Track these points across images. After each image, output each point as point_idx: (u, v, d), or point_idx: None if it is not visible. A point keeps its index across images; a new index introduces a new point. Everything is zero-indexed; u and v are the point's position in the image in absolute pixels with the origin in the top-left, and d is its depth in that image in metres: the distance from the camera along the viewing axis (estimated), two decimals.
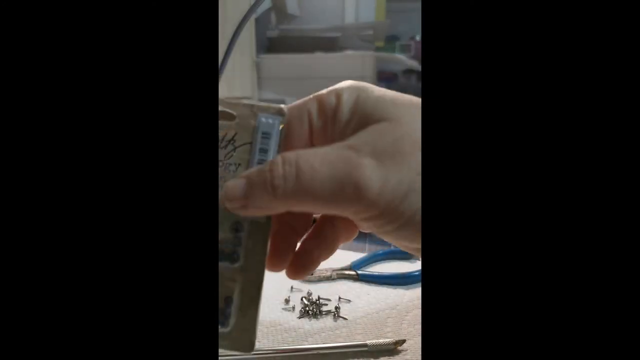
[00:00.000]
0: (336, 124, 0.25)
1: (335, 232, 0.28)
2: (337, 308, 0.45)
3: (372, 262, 0.56)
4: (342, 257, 0.57)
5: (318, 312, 0.45)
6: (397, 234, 0.24)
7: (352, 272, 0.52)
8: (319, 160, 0.23)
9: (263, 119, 0.27)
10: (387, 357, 0.38)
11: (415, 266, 0.55)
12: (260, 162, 0.27)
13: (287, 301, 0.47)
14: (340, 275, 0.52)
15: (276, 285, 0.50)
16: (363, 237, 0.65)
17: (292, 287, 0.50)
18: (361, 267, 0.54)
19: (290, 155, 0.23)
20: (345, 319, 0.44)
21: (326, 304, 0.46)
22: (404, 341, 0.39)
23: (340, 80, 0.27)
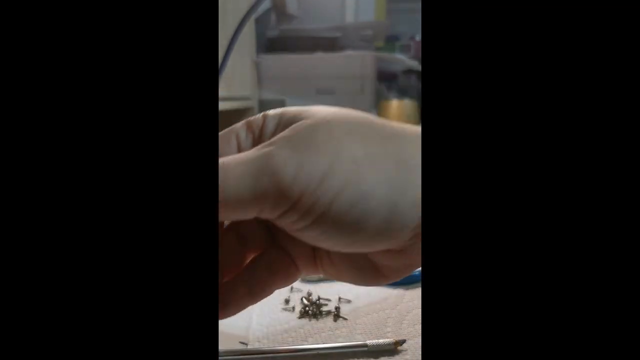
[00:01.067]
0: (262, 138, 0.25)
1: (269, 273, 0.26)
2: (337, 308, 0.45)
3: None
4: None
5: (318, 312, 0.45)
6: (316, 230, 0.22)
7: None
8: (236, 162, 0.23)
9: None
10: (387, 357, 0.38)
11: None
12: None
13: (287, 301, 0.47)
14: None
15: None
16: None
17: (292, 287, 0.50)
18: None
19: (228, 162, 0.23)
20: (345, 319, 0.44)
21: (326, 304, 0.46)
22: (404, 341, 0.39)
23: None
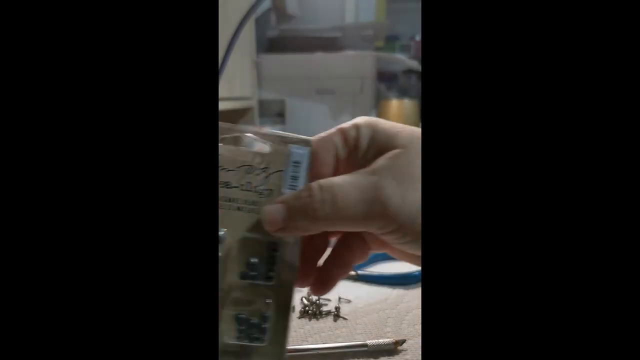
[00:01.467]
0: (357, 153, 0.30)
1: (351, 254, 0.32)
2: (337, 308, 0.45)
3: (372, 262, 0.56)
4: None
5: (318, 312, 0.45)
6: (413, 245, 0.28)
7: (352, 272, 0.52)
8: (350, 186, 0.27)
9: (294, 149, 0.30)
10: (387, 357, 0.38)
11: (415, 266, 0.55)
12: (291, 187, 0.30)
13: None
14: None
15: None
16: None
17: None
18: (361, 267, 0.54)
19: (326, 182, 0.27)
20: (345, 319, 0.44)
21: (326, 304, 0.46)
22: (404, 341, 0.39)
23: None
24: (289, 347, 0.38)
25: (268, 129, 0.32)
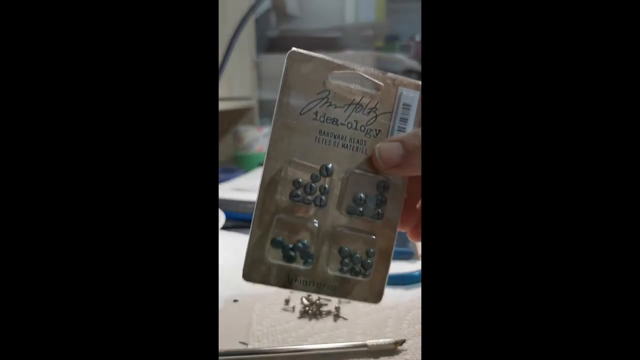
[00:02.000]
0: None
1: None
2: (337, 308, 0.45)
3: None
4: None
5: (318, 312, 0.45)
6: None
7: None
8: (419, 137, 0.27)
9: (404, 92, 0.31)
10: (387, 357, 0.38)
11: (415, 266, 0.55)
12: (400, 129, 0.31)
13: (287, 301, 0.47)
14: None
15: None
16: None
17: None
18: None
19: None
20: (345, 319, 0.44)
21: (326, 304, 0.46)
22: (404, 341, 0.39)
23: None
24: (288, 347, 0.38)
25: (379, 70, 0.32)
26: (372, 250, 0.31)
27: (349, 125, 0.31)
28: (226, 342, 0.40)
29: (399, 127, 0.31)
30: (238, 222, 0.70)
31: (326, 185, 0.30)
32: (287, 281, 0.31)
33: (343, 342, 0.39)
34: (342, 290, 0.32)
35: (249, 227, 0.31)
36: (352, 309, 0.46)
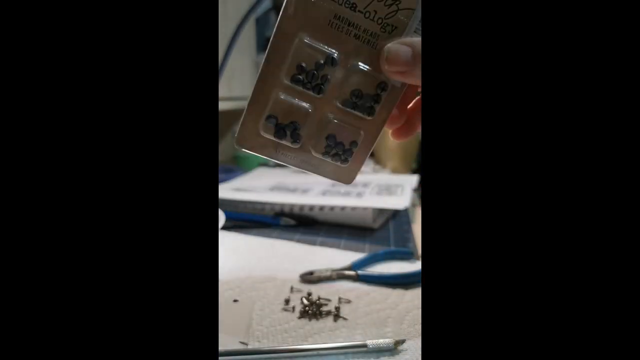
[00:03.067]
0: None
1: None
2: (337, 308, 0.45)
3: (372, 262, 0.56)
4: (342, 257, 0.57)
5: (318, 312, 0.45)
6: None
7: (352, 272, 0.52)
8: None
9: None
10: (387, 357, 0.38)
11: (415, 266, 0.55)
12: (417, 32, 0.30)
13: (287, 301, 0.47)
14: (340, 275, 0.52)
15: (277, 285, 0.50)
16: (363, 237, 0.65)
17: (292, 288, 0.50)
18: (361, 267, 0.54)
19: None
20: (345, 319, 0.44)
21: (326, 304, 0.46)
22: (404, 341, 0.39)
23: None
24: (288, 347, 0.38)
25: None
26: (356, 142, 0.33)
27: (367, 14, 0.29)
28: (226, 342, 0.40)
29: (416, 28, 0.30)
30: (238, 222, 0.70)
31: (328, 76, 0.30)
32: (273, 153, 0.33)
33: (343, 342, 0.39)
34: (321, 169, 0.35)
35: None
36: (352, 309, 0.46)
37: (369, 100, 0.32)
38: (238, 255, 0.59)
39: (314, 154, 0.33)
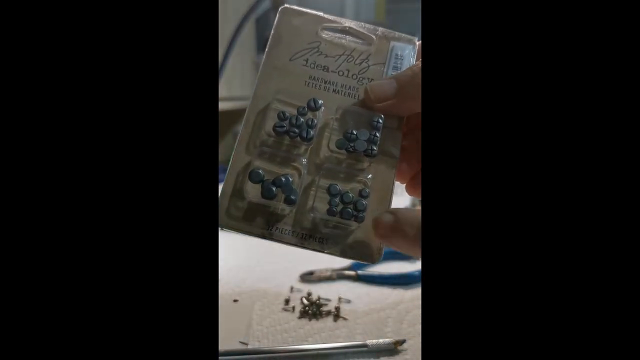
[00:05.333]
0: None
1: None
2: (337, 308, 0.45)
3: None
4: None
5: (318, 312, 0.45)
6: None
7: (352, 272, 0.52)
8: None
9: (397, 44, 0.31)
10: (387, 357, 0.38)
11: (415, 266, 0.55)
12: (395, 69, 0.30)
13: (287, 301, 0.47)
14: (340, 275, 0.52)
15: (277, 285, 0.50)
16: None
17: (292, 288, 0.50)
18: (361, 267, 0.54)
19: None
20: (345, 319, 0.44)
21: (326, 304, 0.46)
22: (404, 341, 0.39)
23: None
24: (288, 347, 0.38)
25: (371, 25, 0.32)
26: (366, 190, 0.27)
27: (340, 73, 0.30)
28: (226, 342, 0.40)
29: (393, 67, 0.30)
30: None
31: (314, 120, 0.28)
32: (265, 229, 0.27)
33: (343, 342, 0.39)
34: (332, 242, 0.27)
35: None
36: (352, 309, 0.46)
37: (366, 136, 0.28)
38: (238, 255, 0.59)
39: (317, 215, 0.27)
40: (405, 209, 0.26)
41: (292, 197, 0.26)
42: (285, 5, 0.31)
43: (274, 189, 0.26)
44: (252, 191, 0.27)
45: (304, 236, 0.27)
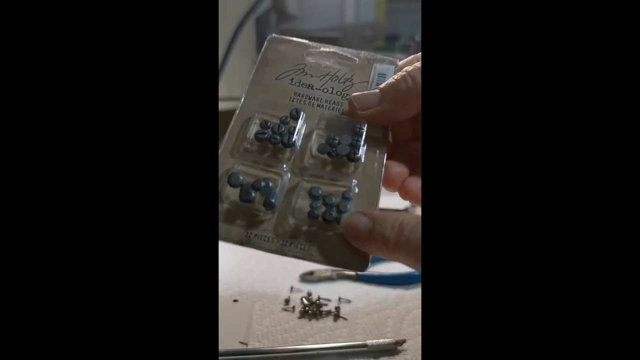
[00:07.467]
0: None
1: None
2: (337, 308, 0.45)
3: (372, 262, 0.56)
4: None
5: (318, 312, 0.45)
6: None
7: (352, 272, 0.52)
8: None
9: (379, 65, 0.32)
10: (387, 357, 0.38)
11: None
12: (380, 83, 0.30)
13: (287, 301, 0.47)
14: (340, 275, 0.52)
15: (277, 285, 0.50)
16: None
17: (292, 287, 0.50)
18: None
19: (415, 72, 0.28)
20: (345, 319, 0.44)
21: (326, 304, 0.46)
22: (404, 341, 0.39)
23: None
24: (288, 347, 0.38)
25: (354, 50, 0.34)
26: (349, 193, 0.26)
27: (325, 90, 0.31)
28: (226, 342, 0.40)
29: (377, 83, 0.31)
30: None
31: (297, 127, 0.28)
32: (244, 235, 0.25)
33: (343, 342, 0.39)
34: (314, 249, 0.25)
35: None
36: (352, 309, 0.46)
37: (348, 141, 0.28)
38: (238, 255, 0.59)
39: (298, 218, 0.26)
40: (384, 212, 0.25)
41: (272, 200, 0.25)
42: (273, 35, 0.33)
43: (252, 192, 0.25)
44: (232, 196, 0.26)
45: (285, 242, 0.25)
